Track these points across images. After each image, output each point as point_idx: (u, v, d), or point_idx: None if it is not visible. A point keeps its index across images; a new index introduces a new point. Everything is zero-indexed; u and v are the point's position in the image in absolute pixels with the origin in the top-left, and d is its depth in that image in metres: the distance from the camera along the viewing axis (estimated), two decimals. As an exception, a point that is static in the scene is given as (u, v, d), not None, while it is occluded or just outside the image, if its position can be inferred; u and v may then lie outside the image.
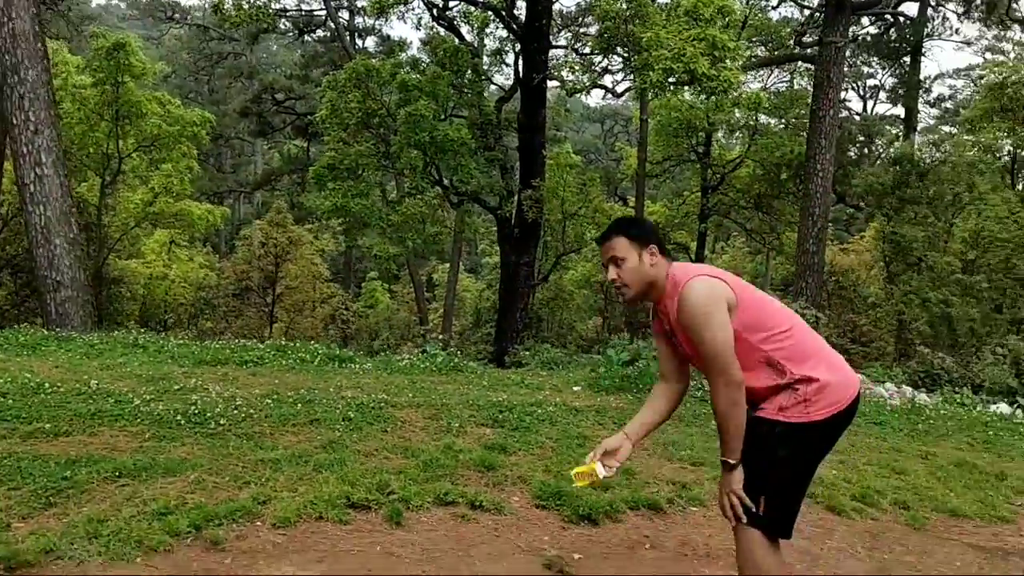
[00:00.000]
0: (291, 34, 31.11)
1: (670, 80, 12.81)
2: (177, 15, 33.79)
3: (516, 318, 16.52)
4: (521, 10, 16.89)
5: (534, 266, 17.44)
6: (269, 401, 5.80)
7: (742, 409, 2.64)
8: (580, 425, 6.25)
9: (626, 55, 14.61)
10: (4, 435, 4.53)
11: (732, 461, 2.68)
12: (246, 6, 15.47)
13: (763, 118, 21.87)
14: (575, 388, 8.03)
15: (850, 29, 17.86)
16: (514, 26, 16.89)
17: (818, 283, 16.04)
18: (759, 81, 27.25)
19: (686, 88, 14.12)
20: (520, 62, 16.98)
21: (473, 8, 17.27)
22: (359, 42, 31.74)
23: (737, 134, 23.92)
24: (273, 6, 17.86)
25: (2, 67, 10.70)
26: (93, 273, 16.51)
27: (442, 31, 18.38)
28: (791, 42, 20.88)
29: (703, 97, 14.67)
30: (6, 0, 10.53)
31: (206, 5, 17.08)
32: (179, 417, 5.16)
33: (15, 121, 10.69)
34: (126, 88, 19.43)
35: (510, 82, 19.06)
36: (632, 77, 14.85)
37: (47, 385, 5.62)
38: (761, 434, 2.70)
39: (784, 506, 2.74)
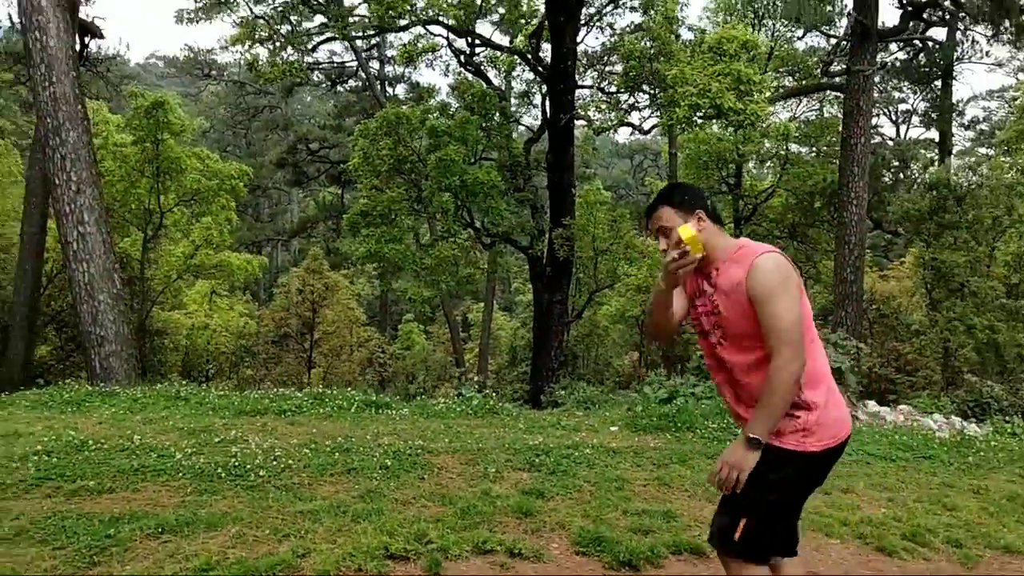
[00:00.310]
0: (324, 85, 31.85)
1: (697, 115, 12.87)
2: (214, 72, 34.80)
3: (551, 356, 16.49)
4: (546, 52, 17.15)
5: (567, 303, 17.45)
6: (307, 451, 5.84)
7: (795, 390, 2.60)
8: (618, 467, 6.18)
9: (652, 92, 14.72)
10: (49, 494, 4.62)
11: (763, 440, 2.61)
12: (280, 62, 15.90)
13: (794, 147, 21.79)
14: (612, 428, 7.96)
15: (878, 56, 17.79)
16: (540, 68, 17.13)
17: (858, 312, 15.79)
18: (788, 111, 27.19)
19: (713, 122, 14.17)
20: (547, 103, 17.19)
21: (499, 53, 17.58)
22: (389, 90, 32.38)
23: (768, 164, 23.81)
24: (306, 60, 18.31)
25: (44, 130, 11.10)
26: (137, 326, 16.86)
27: (470, 76, 18.71)
28: (818, 71, 20.84)
29: (731, 130, 14.69)
30: (47, 65, 10.94)
31: (241, 62, 17.58)
32: (220, 470, 5.21)
33: (57, 181, 11.04)
34: (166, 145, 20.01)
35: (538, 123, 19.28)
36: (659, 114, 14.94)
37: (91, 442, 5.73)
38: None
39: (762, 533, 2.68)
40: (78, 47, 14.45)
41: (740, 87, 12.52)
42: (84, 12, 16.86)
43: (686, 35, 17.24)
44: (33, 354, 17.96)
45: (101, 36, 18.48)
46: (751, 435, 2.61)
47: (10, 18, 17.60)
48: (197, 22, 18.40)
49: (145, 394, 8.50)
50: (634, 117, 16.69)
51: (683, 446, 7.02)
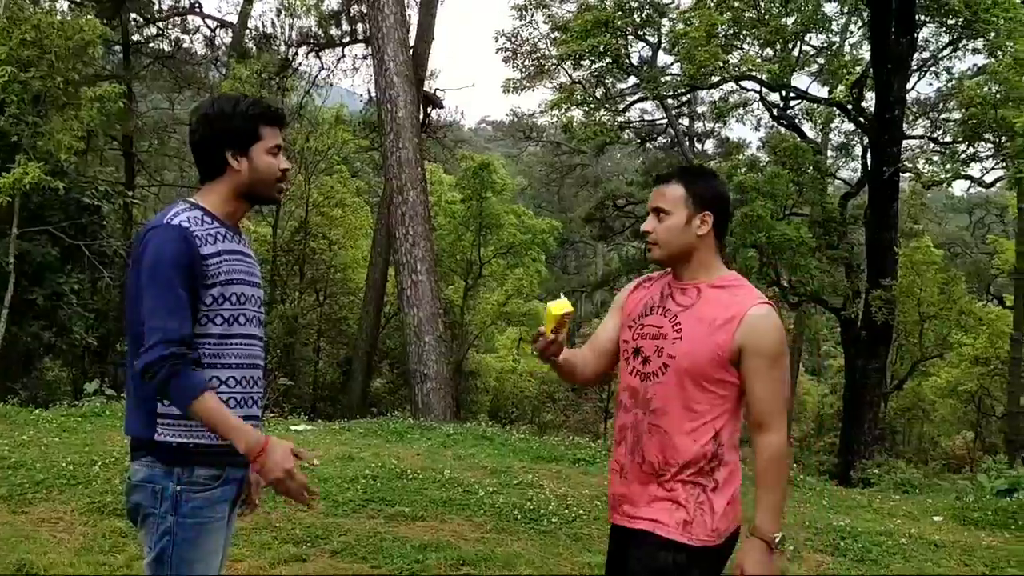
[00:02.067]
0: (634, 143, 32.76)
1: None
2: (533, 134, 37.48)
3: (864, 429, 15.07)
4: (870, 102, 16.08)
5: (886, 372, 15.92)
6: (598, 503, 5.93)
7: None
8: (940, 564, 5.46)
9: (997, 141, 13.12)
10: (372, 515, 5.20)
11: (781, 536, 2.15)
12: (592, 123, 16.70)
13: None
14: (936, 518, 7.05)
15: None
16: (861, 119, 16.09)
17: None
18: None
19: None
20: (868, 155, 16.05)
21: (816, 105, 16.83)
22: (698, 146, 32.37)
23: None
24: (617, 119, 19.04)
25: (390, 189, 12.68)
26: (454, 367, 18.46)
27: (783, 129, 18.11)
28: None
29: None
30: (395, 133, 12.50)
31: (557, 124, 18.80)
32: (516, 511, 5.49)
33: (397, 235, 12.51)
34: (488, 202, 21.94)
35: (857, 176, 18.06)
36: (1005, 165, 13.25)
37: (409, 471, 6.35)
38: (660, 569, 2.11)
39: None
40: (421, 116, 16.46)
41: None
42: (428, 85, 19.19)
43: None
44: (370, 386, 20.37)
45: (441, 106, 20.89)
46: (770, 536, 2.13)
47: (369, 93, 20.51)
48: (522, 90, 20.03)
49: (456, 431, 9.23)
50: (974, 169, 14.99)
51: (1025, 549, 6.02)
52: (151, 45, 21.71)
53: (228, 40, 21.90)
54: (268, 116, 2.25)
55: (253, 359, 2.25)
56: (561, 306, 2.22)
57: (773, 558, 2.14)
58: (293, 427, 8.62)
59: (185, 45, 22.11)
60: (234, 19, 21.83)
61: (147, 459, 2.13)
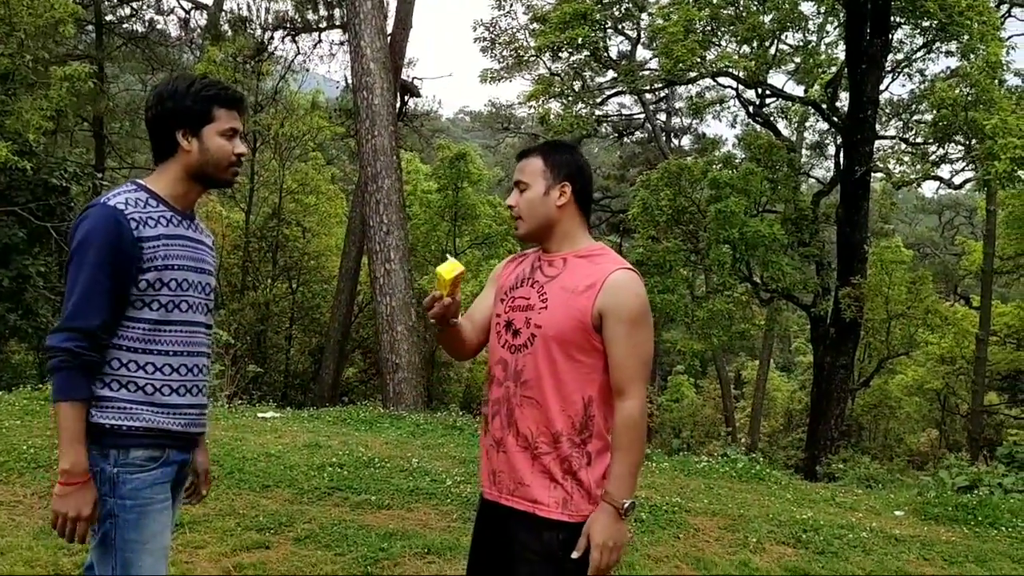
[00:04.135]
0: (611, 137, 32.83)
1: (1022, 171, 11.39)
2: (511, 125, 37.40)
3: (831, 425, 15.27)
4: (844, 102, 16.22)
5: (853, 369, 16.12)
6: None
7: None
8: (900, 558, 5.55)
9: (967, 143, 13.31)
10: (337, 503, 5.18)
11: (630, 502, 2.11)
12: (570, 116, 16.68)
13: None
14: (897, 513, 7.16)
15: None
16: (835, 118, 16.25)
17: None
18: None
19: (1043, 177, 12.45)
20: (841, 154, 16.22)
21: (791, 103, 16.96)
22: (675, 141, 32.53)
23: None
24: (595, 113, 19.04)
25: (364, 177, 12.60)
26: (426, 357, 18.41)
27: (758, 127, 18.24)
28: None
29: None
30: (371, 120, 12.42)
31: (535, 116, 18.78)
32: (483, 501, 5.49)
33: (371, 223, 12.44)
34: (464, 192, 21.85)
35: (830, 175, 18.24)
36: (974, 167, 13.45)
37: (376, 460, 6.33)
38: (545, 549, 2.12)
39: None
40: (398, 104, 16.36)
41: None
42: (405, 74, 19.07)
43: (1012, 81, 15.40)
44: (342, 375, 20.27)
45: (418, 95, 20.79)
46: (624, 500, 2.10)
47: (345, 80, 20.36)
48: (500, 81, 19.95)
49: (426, 420, 9.23)
50: (943, 170, 15.18)
51: (983, 544, 6.13)
52: (124, 25, 21.36)
53: (203, 22, 21.61)
54: (223, 98, 2.21)
55: (196, 347, 2.21)
56: (452, 268, 2.20)
57: (622, 524, 2.11)
58: (261, 414, 8.56)
59: (159, 26, 21.82)
60: (209, 1, 21.53)
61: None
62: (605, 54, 17.53)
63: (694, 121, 30.16)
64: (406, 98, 19.61)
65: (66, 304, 2.02)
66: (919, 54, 16.48)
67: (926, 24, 14.70)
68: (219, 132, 2.20)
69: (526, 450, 2.17)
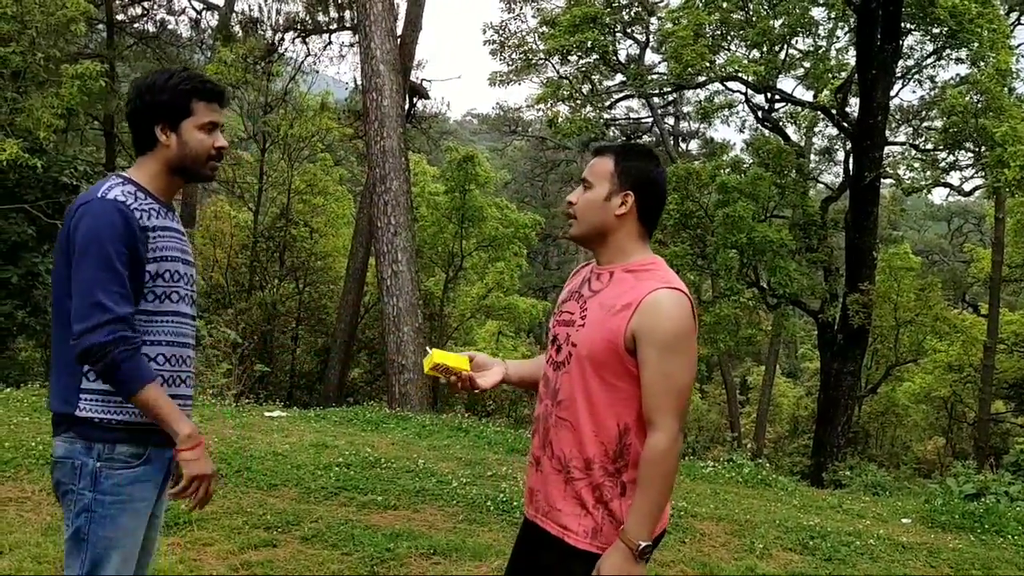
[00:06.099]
0: (619, 140, 32.82)
1: (1031, 177, 11.36)
2: (519, 128, 37.41)
3: (837, 431, 15.23)
4: (854, 107, 16.19)
5: (860, 375, 16.07)
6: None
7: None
8: (907, 565, 5.53)
9: (976, 151, 13.27)
10: (344, 503, 5.18)
11: (646, 544, 1.95)
12: (578, 119, 16.69)
13: None
14: (904, 520, 7.14)
15: None
16: (845, 124, 16.22)
17: None
18: None
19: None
20: (851, 160, 16.19)
21: (800, 108, 16.93)
22: (683, 145, 32.51)
23: None
24: (603, 116, 19.04)
25: (372, 178, 12.62)
26: (432, 358, 18.36)
27: (767, 132, 18.21)
28: None
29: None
30: (380, 122, 12.42)
31: (543, 119, 18.79)
32: (489, 503, 5.49)
33: (379, 224, 12.45)
34: (471, 195, 21.86)
35: (839, 180, 18.22)
36: (984, 174, 13.41)
37: (383, 460, 6.34)
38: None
39: None
40: (407, 106, 16.38)
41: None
42: (414, 75, 19.10)
43: (1022, 89, 15.38)
44: (348, 375, 20.28)
45: (426, 97, 20.79)
46: (639, 542, 1.93)
47: (355, 81, 20.40)
48: (508, 84, 19.98)
49: (432, 422, 9.23)
50: (953, 177, 15.19)
51: (989, 552, 6.11)
52: (136, 25, 21.42)
53: (214, 23, 21.68)
54: (203, 92, 2.19)
55: (183, 337, 2.22)
56: (428, 361, 2.28)
57: (637, 568, 1.95)
58: (268, 413, 8.58)
59: (170, 27, 21.88)
60: (220, 2, 21.62)
61: (68, 435, 2.10)
62: (614, 58, 17.54)
63: (702, 125, 30.17)
64: (415, 100, 19.62)
65: (89, 300, 1.99)
66: (929, 60, 16.46)
67: (936, 31, 14.69)
68: (198, 126, 2.18)
69: (559, 472, 2.07)
